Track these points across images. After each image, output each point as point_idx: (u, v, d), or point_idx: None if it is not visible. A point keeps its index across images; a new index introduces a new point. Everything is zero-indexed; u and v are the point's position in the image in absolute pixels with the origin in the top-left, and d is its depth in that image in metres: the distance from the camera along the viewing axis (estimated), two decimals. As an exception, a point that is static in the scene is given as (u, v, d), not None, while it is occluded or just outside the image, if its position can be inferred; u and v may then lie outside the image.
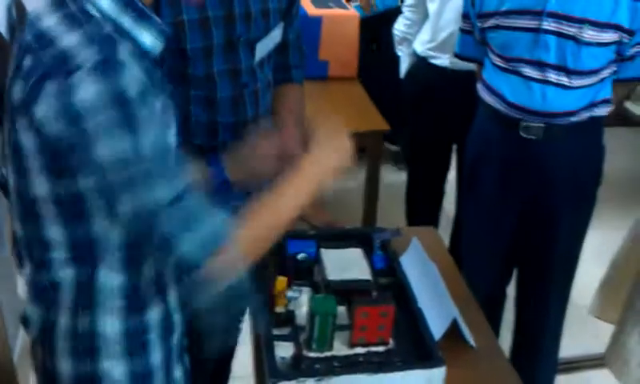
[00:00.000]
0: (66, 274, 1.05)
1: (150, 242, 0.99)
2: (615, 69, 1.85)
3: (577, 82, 1.79)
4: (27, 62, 0.97)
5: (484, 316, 1.60)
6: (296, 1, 1.71)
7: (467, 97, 2.45)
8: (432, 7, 2.53)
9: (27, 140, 0.97)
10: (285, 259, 1.49)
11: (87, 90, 0.90)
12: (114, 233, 1.02)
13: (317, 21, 2.82)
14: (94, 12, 0.96)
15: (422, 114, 2.69)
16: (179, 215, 0.97)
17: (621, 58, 1.82)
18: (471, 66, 2.34)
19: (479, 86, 2.00)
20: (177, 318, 1.17)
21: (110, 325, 1.07)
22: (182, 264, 1.00)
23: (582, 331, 2.55)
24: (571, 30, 1.74)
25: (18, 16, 2.90)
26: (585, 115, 1.85)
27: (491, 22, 1.87)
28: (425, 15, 2.61)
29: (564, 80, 1.79)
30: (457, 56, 2.16)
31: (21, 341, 2.31)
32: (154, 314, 1.11)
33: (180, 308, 1.17)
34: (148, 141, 0.93)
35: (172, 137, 1.02)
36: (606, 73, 1.82)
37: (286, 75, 1.76)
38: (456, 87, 2.49)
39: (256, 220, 1.07)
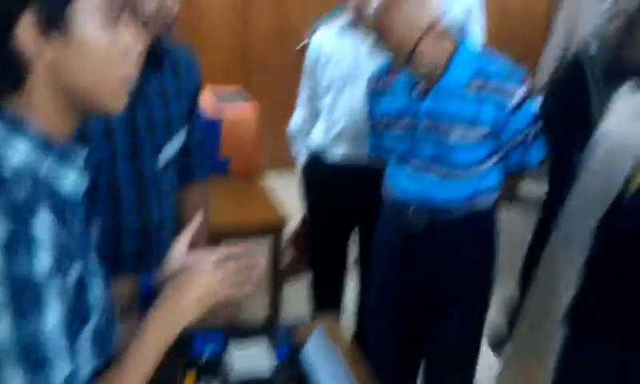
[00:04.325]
0: None
1: None
2: (500, 157, 1.99)
3: (456, 177, 1.95)
4: None
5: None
6: (197, 103, 1.80)
7: (363, 189, 2.54)
8: (325, 101, 2.64)
9: None
10: (192, 353, 1.52)
11: None
12: None
13: (216, 121, 2.95)
14: (7, 174, 0.88)
15: (321, 208, 2.77)
16: None
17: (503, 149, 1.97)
18: (365, 157, 2.49)
19: (384, 180, 2.16)
20: None
21: None
22: None
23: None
24: (442, 128, 1.91)
25: None
26: (468, 206, 1.99)
27: (381, 125, 2.09)
28: (318, 110, 2.72)
29: (444, 174, 1.95)
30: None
31: None
32: None
33: None
34: (48, 324, 0.87)
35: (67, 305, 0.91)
36: (487, 164, 1.97)
37: (189, 174, 1.83)
38: (352, 179, 2.60)
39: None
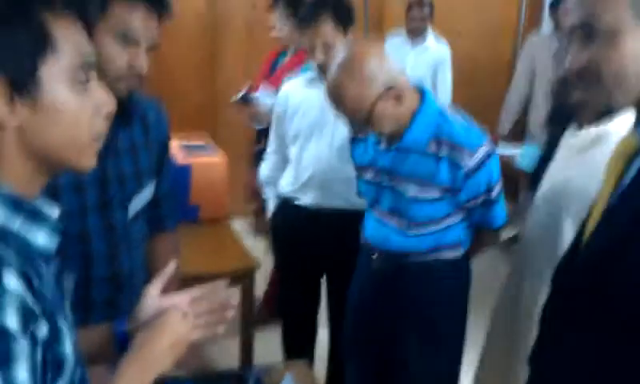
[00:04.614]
0: None
1: None
2: (462, 217, 2.00)
3: (415, 230, 1.98)
4: None
5: None
6: (166, 155, 1.83)
7: (333, 235, 2.61)
8: (293, 151, 2.71)
9: None
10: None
11: None
12: None
13: (186, 169, 2.98)
14: None
15: (290, 256, 2.80)
16: None
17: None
18: (334, 204, 2.55)
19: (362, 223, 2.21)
20: None
21: None
22: None
23: None
24: (401, 183, 1.95)
25: None
26: (430, 258, 2.01)
27: (357, 173, 2.17)
28: (287, 158, 2.78)
29: (404, 226, 1.99)
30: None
31: None
32: None
33: None
34: (17, 379, 0.86)
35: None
36: (447, 221, 1.98)
37: (159, 225, 1.85)
38: (322, 226, 2.63)
39: None
